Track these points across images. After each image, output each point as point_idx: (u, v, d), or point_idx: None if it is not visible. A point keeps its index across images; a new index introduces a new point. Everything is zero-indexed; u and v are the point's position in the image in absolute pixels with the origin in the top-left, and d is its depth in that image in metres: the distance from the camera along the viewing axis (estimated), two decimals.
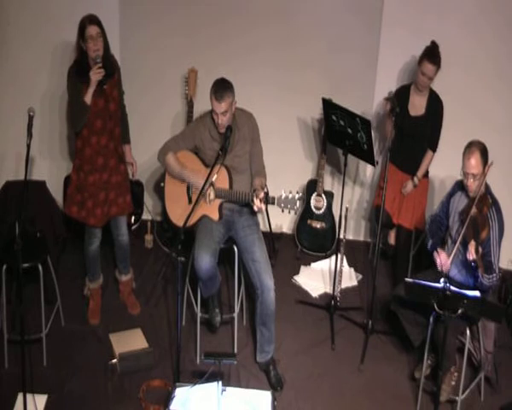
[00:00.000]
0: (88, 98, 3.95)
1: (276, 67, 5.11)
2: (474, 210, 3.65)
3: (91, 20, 3.95)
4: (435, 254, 3.88)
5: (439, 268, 3.84)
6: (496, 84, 4.89)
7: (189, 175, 4.03)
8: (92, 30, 3.92)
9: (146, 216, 5.37)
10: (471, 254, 3.60)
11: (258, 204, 3.73)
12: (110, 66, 4.04)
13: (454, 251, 3.77)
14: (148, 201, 5.45)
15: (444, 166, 4.85)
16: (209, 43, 5.05)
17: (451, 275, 3.87)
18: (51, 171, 5.14)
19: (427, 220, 4.33)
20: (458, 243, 3.73)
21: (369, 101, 5.13)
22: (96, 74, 3.91)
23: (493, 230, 3.66)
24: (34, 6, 4.90)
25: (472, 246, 3.59)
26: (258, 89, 5.03)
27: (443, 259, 3.83)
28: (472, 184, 3.68)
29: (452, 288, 3.39)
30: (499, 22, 4.77)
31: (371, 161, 4.53)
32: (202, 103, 4.94)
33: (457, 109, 4.82)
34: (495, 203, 3.72)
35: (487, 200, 3.67)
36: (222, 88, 3.82)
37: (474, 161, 3.63)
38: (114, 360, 4.02)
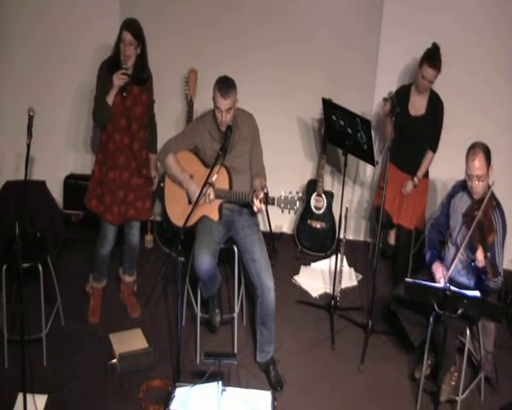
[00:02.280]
0: (110, 99, 3.99)
1: (276, 67, 5.11)
2: (479, 214, 3.60)
3: (128, 26, 3.98)
4: (434, 267, 3.90)
5: (438, 282, 3.83)
6: (497, 83, 4.89)
7: (187, 183, 4.04)
8: (125, 35, 3.96)
9: None
10: (480, 262, 3.57)
11: (257, 205, 3.73)
12: (144, 74, 4.10)
13: (458, 255, 3.75)
14: None
15: (444, 166, 4.85)
16: (209, 43, 5.05)
17: (451, 275, 3.86)
18: (51, 171, 5.13)
19: (427, 223, 4.32)
20: (462, 248, 3.72)
21: (369, 101, 5.13)
22: (118, 79, 3.96)
23: (498, 232, 3.64)
24: (34, 5, 4.89)
25: (480, 253, 3.57)
26: (258, 88, 5.03)
27: (441, 273, 3.83)
28: (477, 186, 3.65)
29: (452, 288, 3.39)
30: (500, 20, 4.77)
31: (371, 161, 4.53)
32: (202, 103, 4.95)
33: (459, 108, 4.81)
34: (498, 205, 3.70)
35: (491, 202, 3.65)
36: (227, 85, 3.83)
37: (478, 163, 3.61)
38: (114, 360, 4.02)
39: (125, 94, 4.00)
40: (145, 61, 4.13)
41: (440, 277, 3.81)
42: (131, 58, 4.01)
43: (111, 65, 4.01)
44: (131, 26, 3.99)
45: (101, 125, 4.12)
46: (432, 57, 4.44)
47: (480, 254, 3.57)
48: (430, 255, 3.98)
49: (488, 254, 3.57)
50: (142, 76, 4.09)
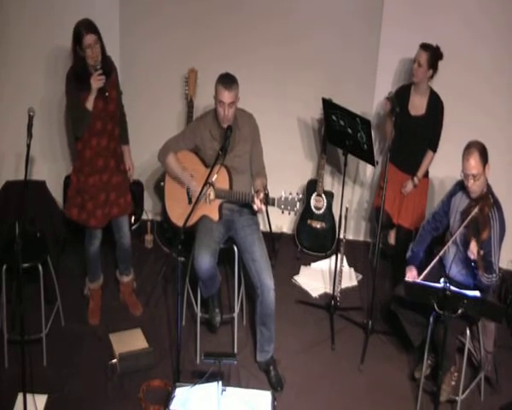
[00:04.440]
0: (90, 104, 3.92)
1: (276, 66, 5.11)
2: (475, 210, 3.64)
3: (87, 27, 3.88)
4: (407, 268, 3.94)
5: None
6: (498, 82, 4.88)
7: (188, 180, 4.03)
8: (90, 39, 3.87)
9: (146, 216, 5.36)
10: (472, 254, 3.60)
11: (258, 204, 3.73)
12: (107, 68, 4.03)
13: (456, 253, 3.77)
14: (148, 201, 5.45)
15: (444, 165, 4.85)
16: (209, 42, 5.05)
17: (451, 275, 3.86)
18: (51, 171, 5.14)
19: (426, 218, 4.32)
20: (451, 241, 3.76)
21: (369, 101, 5.13)
22: (96, 81, 3.90)
23: (494, 230, 3.65)
24: (34, 6, 4.89)
25: (474, 245, 3.59)
26: (258, 88, 5.02)
27: (411, 277, 3.86)
28: (473, 185, 3.67)
29: (452, 288, 3.39)
30: (500, 20, 4.77)
31: (371, 161, 4.53)
32: (202, 103, 4.95)
33: (459, 107, 4.82)
34: (496, 203, 3.71)
35: (489, 200, 3.66)
36: (230, 79, 3.85)
37: (474, 162, 3.62)
38: (114, 360, 4.02)
39: (106, 94, 3.96)
40: (105, 54, 4.02)
41: (410, 277, 3.85)
42: (100, 55, 3.94)
43: (80, 74, 3.93)
44: (89, 27, 3.90)
45: (82, 133, 4.02)
46: (426, 44, 4.49)
47: (473, 246, 3.59)
48: (410, 255, 4.03)
49: (481, 250, 3.59)
50: (106, 69, 3.99)
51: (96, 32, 3.92)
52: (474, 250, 3.59)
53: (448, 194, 3.99)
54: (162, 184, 4.30)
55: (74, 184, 4.18)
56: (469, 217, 3.63)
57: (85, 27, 3.89)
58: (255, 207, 3.77)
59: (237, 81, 3.87)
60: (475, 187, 3.67)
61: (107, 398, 3.83)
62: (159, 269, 4.93)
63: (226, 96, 3.82)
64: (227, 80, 3.83)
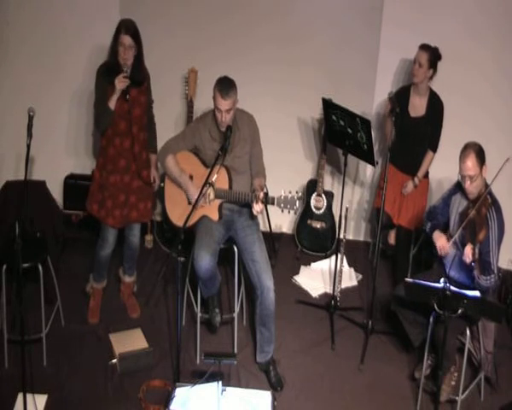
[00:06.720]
0: (112, 104, 3.98)
1: (276, 66, 5.11)
2: (472, 212, 3.64)
3: (127, 29, 3.96)
4: (434, 236, 3.88)
5: (439, 252, 3.83)
6: (498, 82, 4.88)
7: (186, 185, 4.03)
8: (125, 39, 3.94)
9: None
10: (467, 257, 3.61)
11: (256, 208, 3.74)
12: (140, 75, 4.08)
13: (457, 253, 3.77)
14: None
15: (444, 165, 4.84)
16: (209, 43, 5.06)
17: (451, 275, 3.86)
18: (51, 171, 5.13)
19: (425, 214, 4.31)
20: (451, 242, 3.76)
21: (369, 101, 5.13)
22: (120, 83, 3.94)
23: (492, 230, 3.65)
24: (33, 5, 4.89)
25: (469, 249, 3.60)
26: (258, 88, 5.03)
27: (442, 242, 3.83)
28: (470, 187, 3.67)
29: (452, 288, 3.39)
30: (500, 20, 4.77)
31: (371, 161, 4.53)
32: (202, 103, 4.95)
33: (459, 108, 4.82)
34: (495, 203, 3.70)
35: (486, 200, 3.66)
36: (227, 85, 3.83)
37: (470, 163, 3.62)
38: (114, 360, 4.02)
39: (128, 97, 4.00)
40: (141, 62, 4.11)
41: (441, 246, 3.81)
42: (131, 60, 4.00)
43: (109, 69, 4.00)
44: (130, 29, 3.97)
45: (103, 130, 4.11)
46: (425, 44, 4.50)
47: (468, 250, 3.60)
48: (431, 224, 3.96)
49: (476, 252, 3.60)
50: (138, 77, 4.07)
51: (133, 37, 3.97)
52: (469, 254, 3.60)
53: (448, 192, 3.98)
54: (162, 184, 4.30)
55: (97, 180, 4.22)
56: (467, 219, 3.64)
57: (125, 28, 3.97)
58: (254, 211, 3.78)
59: (235, 85, 3.86)
60: (472, 188, 3.67)
61: (107, 398, 3.83)
62: (159, 269, 4.93)
63: (223, 104, 3.82)
64: (224, 87, 3.81)
